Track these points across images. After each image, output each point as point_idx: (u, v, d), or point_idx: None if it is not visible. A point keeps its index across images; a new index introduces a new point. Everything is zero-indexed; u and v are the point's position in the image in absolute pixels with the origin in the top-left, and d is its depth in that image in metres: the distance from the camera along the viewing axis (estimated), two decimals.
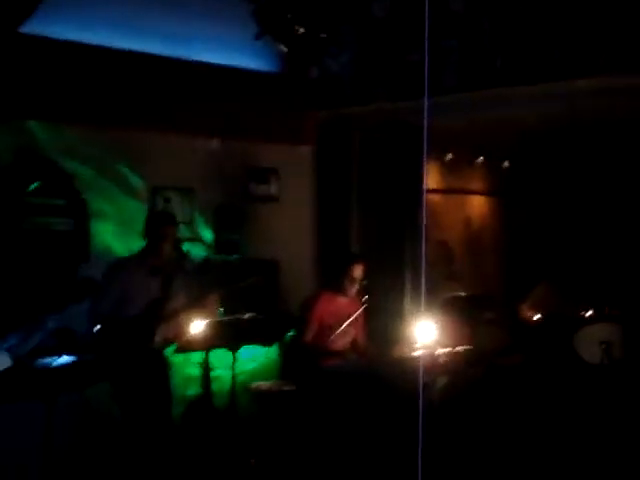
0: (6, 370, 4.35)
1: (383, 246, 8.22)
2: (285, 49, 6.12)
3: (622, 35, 5.97)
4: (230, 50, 7.15)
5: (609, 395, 6.63)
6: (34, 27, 6.01)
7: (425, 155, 7.33)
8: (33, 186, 6.13)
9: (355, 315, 6.41)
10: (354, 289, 6.49)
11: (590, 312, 8.29)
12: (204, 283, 5.84)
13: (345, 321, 6.36)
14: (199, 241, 7.06)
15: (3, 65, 5.94)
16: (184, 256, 6.13)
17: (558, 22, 6.26)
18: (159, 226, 5.76)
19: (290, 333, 6.32)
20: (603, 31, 6.06)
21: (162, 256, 5.71)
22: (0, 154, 6.02)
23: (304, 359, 6.38)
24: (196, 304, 5.58)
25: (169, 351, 5.68)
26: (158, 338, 5.52)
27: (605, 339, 7.16)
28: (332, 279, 6.58)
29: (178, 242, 6.18)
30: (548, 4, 6.31)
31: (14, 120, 6.09)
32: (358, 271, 6.47)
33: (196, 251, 6.93)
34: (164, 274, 5.67)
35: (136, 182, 6.76)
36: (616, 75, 6.14)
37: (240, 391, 6.06)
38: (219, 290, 5.74)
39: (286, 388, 6.41)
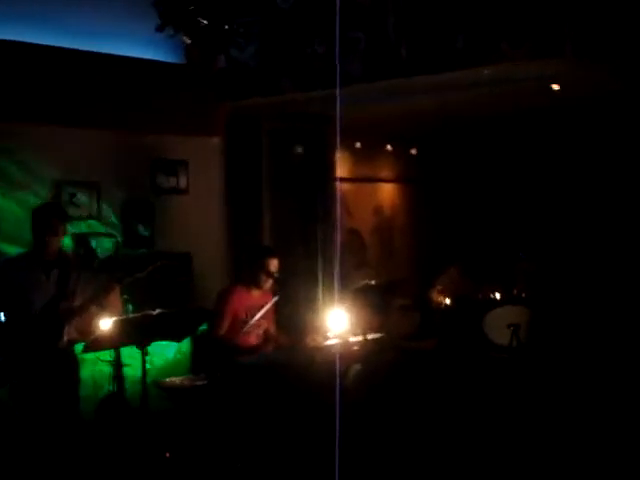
0: None
1: (295, 236, 8.24)
2: (188, 40, 6.06)
3: (524, 23, 6.08)
4: (134, 42, 7.05)
5: (518, 377, 6.79)
6: None
7: (337, 144, 7.44)
8: None
9: (267, 307, 6.41)
10: (268, 283, 6.48)
11: (498, 295, 8.48)
12: (113, 278, 5.72)
13: (258, 314, 6.35)
14: (107, 236, 6.94)
15: None
16: (91, 251, 6.04)
17: (461, 11, 6.35)
18: (45, 219, 5.51)
19: (202, 327, 6.27)
20: (505, 19, 6.16)
21: (51, 251, 5.51)
22: None
23: (217, 353, 6.35)
24: (97, 300, 5.47)
25: (78, 350, 5.58)
26: (66, 337, 5.42)
27: (513, 321, 7.33)
28: (246, 272, 6.56)
29: (85, 238, 6.09)
30: None
31: None
32: (272, 265, 6.46)
33: (104, 246, 6.82)
34: (59, 270, 5.51)
35: (39, 177, 6.61)
36: (519, 63, 6.26)
37: (152, 387, 5.98)
38: (118, 284, 5.61)
39: (198, 383, 6.36)
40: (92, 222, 6.90)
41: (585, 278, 8.15)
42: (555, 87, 7.29)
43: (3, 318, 5.28)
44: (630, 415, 6.09)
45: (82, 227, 6.85)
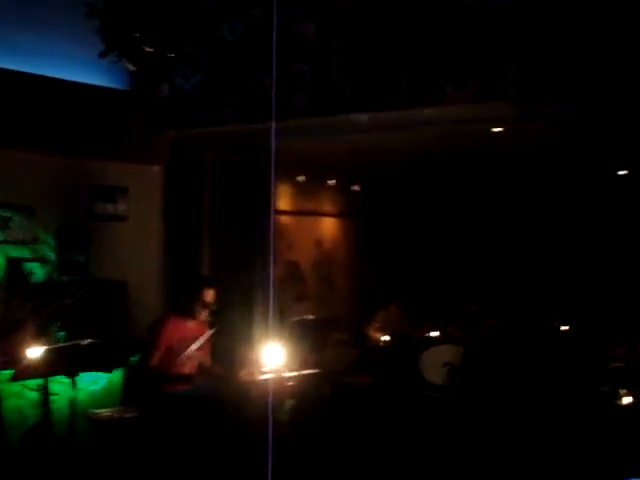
0: None
1: (234, 267, 8.18)
2: (132, 67, 6.01)
3: (467, 66, 6.16)
4: (78, 66, 6.97)
5: (450, 416, 6.79)
6: None
7: (274, 177, 7.43)
8: None
9: (202, 339, 6.32)
10: (204, 314, 6.39)
11: (435, 333, 8.51)
12: (47, 305, 5.61)
13: (192, 345, 6.26)
14: (41, 261, 6.82)
15: None
16: (24, 277, 5.91)
17: (406, 52, 6.41)
18: None
19: (134, 358, 6.16)
20: (449, 62, 6.24)
21: None
22: None
23: (148, 384, 6.23)
24: (10, 333, 5.33)
25: (4, 378, 5.43)
26: None
27: (449, 360, 7.35)
28: (182, 302, 6.47)
29: (19, 263, 5.96)
30: (397, 34, 6.45)
31: None
32: (209, 296, 6.37)
33: (38, 271, 6.69)
34: None
35: None
36: (461, 104, 6.33)
37: (80, 418, 5.86)
38: (37, 314, 5.48)
39: (128, 415, 6.24)
40: (27, 247, 6.75)
41: (521, 320, 8.22)
42: (496, 130, 7.38)
43: None
44: (561, 452, 6.13)
45: (16, 252, 6.70)
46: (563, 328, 8.45)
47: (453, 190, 10.45)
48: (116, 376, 6.73)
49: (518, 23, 5.90)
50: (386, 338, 8.58)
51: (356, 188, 10.48)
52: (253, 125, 7.13)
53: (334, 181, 10.26)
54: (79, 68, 6.96)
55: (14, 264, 6.59)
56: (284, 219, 9.51)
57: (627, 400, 6.27)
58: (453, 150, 8.45)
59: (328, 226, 10.55)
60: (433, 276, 10.22)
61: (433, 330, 8.61)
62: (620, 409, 6.28)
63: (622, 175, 9.52)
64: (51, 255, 6.95)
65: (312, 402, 6.67)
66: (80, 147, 7.08)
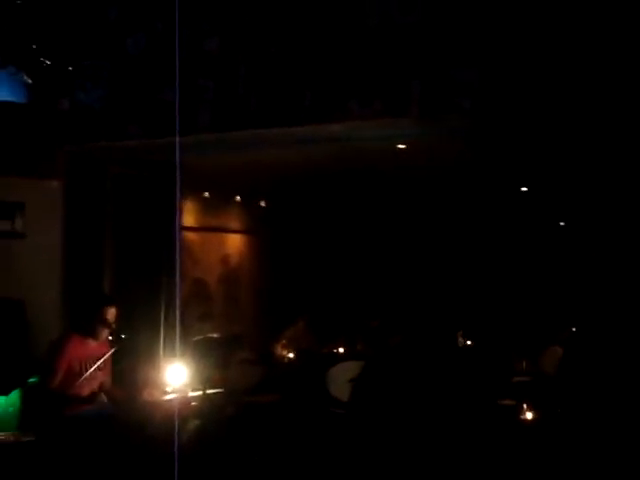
0: None
1: (138, 285, 8.03)
2: (30, 80, 5.85)
3: (371, 82, 6.20)
4: None
5: (355, 433, 6.78)
6: None
7: (179, 192, 7.32)
8: None
9: (103, 359, 6.17)
10: (105, 332, 6.25)
11: (342, 350, 8.52)
12: None
13: (93, 365, 6.11)
14: None
15: None
16: None
17: (311, 67, 6.41)
18: None
19: (32, 379, 5.96)
20: (354, 78, 6.26)
21: None
22: None
23: (47, 406, 6.05)
24: None
25: None
26: None
27: (355, 377, 7.33)
28: (82, 321, 6.31)
29: None
30: (301, 50, 6.45)
31: None
32: (110, 314, 6.24)
33: None
34: None
35: None
36: (366, 121, 6.36)
37: None
38: None
39: (25, 439, 6.04)
40: None
41: (424, 335, 8.29)
42: (401, 146, 7.45)
43: None
44: (464, 467, 6.17)
45: None
46: (467, 343, 8.56)
47: (359, 206, 10.51)
48: (13, 398, 6.52)
49: (421, 40, 5.96)
50: (292, 355, 8.55)
51: (262, 204, 10.44)
52: (156, 140, 7.02)
53: (239, 197, 10.19)
54: None
55: None
56: (189, 235, 9.39)
57: (530, 415, 6.36)
58: (358, 166, 8.48)
59: (234, 243, 10.47)
60: (339, 292, 10.24)
61: (340, 346, 8.61)
62: (523, 423, 6.37)
63: (524, 191, 9.72)
64: None
65: (217, 422, 6.59)
66: None
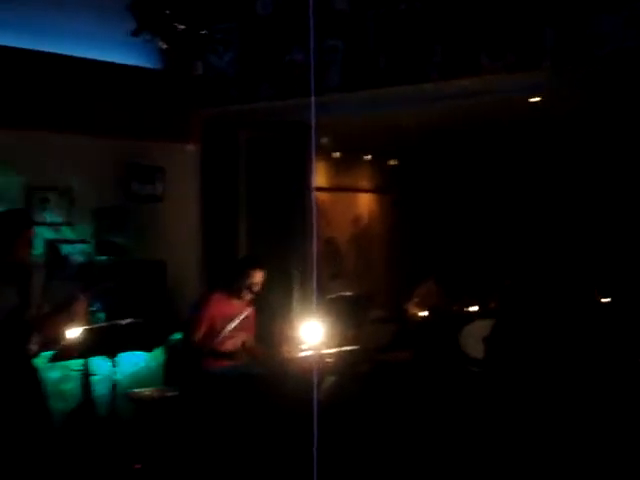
0: None
1: (271, 246, 8.16)
2: (165, 45, 5.99)
3: (503, 35, 6.07)
4: (111, 46, 6.95)
5: (490, 391, 6.75)
6: None
7: (313, 153, 7.38)
8: None
9: (244, 316, 6.32)
10: (250, 294, 6.37)
11: (475, 308, 8.45)
12: (85, 287, 5.59)
13: (234, 324, 6.27)
14: (79, 242, 6.84)
15: None
16: (63, 258, 5.91)
17: (440, 23, 6.32)
18: (11, 227, 5.18)
19: (174, 337, 6.18)
20: (484, 32, 6.14)
21: (17, 260, 5.21)
22: None
23: (190, 362, 6.26)
24: (62, 310, 5.31)
25: (45, 359, 5.46)
26: (33, 347, 5.30)
27: (488, 335, 7.30)
28: (227, 281, 6.44)
29: (56, 245, 5.96)
30: (431, 4, 6.36)
31: None
32: (257, 277, 6.36)
33: (76, 253, 6.72)
34: (22, 280, 5.34)
35: (10, 183, 6.51)
36: (498, 74, 6.24)
37: (122, 398, 5.89)
38: (84, 294, 5.45)
39: (169, 394, 6.27)
40: (64, 228, 6.78)
41: (559, 292, 8.13)
42: (534, 99, 7.28)
43: None
44: (603, 427, 6.07)
45: (54, 234, 6.74)
46: (603, 300, 8.37)
47: (489, 163, 10.34)
48: (156, 355, 6.78)
49: None
50: (425, 313, 8.53)
51: (393, 163, 10.40)
52: (286, 101, 7.09)
53: (370, 156, 10.18)
54: (113, 48, 6.95)
55: (52, 246, 6.63)
56: (320, 196, 9.46)
57: None
58: (489, 122, 8.35)
59: (365, 202, 10.49)
60: (470, 250, 10.13)
61: (472, 305, 8.55)
62: None
63: None
64: (89, 236, 6.97)
65: (351, 379, 6.66)
66: (116, 128, 7.08)
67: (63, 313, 5.21)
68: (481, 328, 7.52)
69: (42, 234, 6.59)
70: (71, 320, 5.20)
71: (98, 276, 5.89)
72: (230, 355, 6.34)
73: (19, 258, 5.22)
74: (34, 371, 5.39)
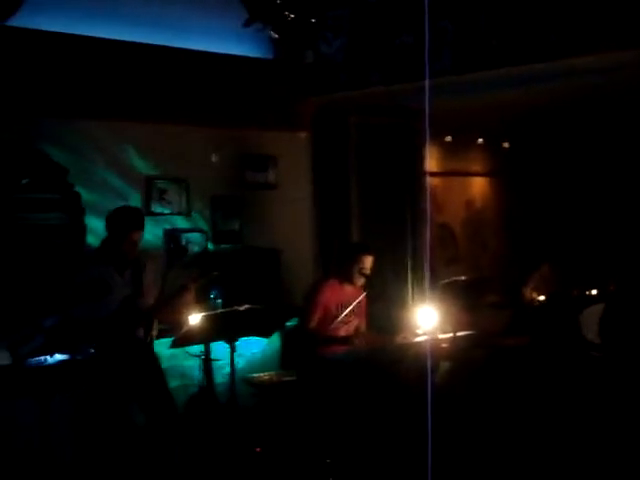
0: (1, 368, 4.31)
1: (384, 231, 8.16)
2: (276, 35, 6.05)
3: (618, 12, 5.89)
4: (223, 38, 7.07)
5: (611, 376, 6.58)
6: (21, 20, 5.93)
7: (427, 137, 7.33)
8: (25, 181, 6.07)
9: (355, 303, 6.35)
10: (361, 280, 6.40)
11: (594, 291, 8.24)
12: (195, 276, 5.71)
13: (347, 309, 6.31)
14: (197, 231, 7.01)
15: None
16: (181, 247, 6.05)
17: (554, 1, 6.18)
18: (124, 229, 5.40)
19: (290, 323, 6.25)
20: (599, 8, 5.97)
21: (126, 253, 5.42)
22: None
23: (305, 347, 6.32)
24: (173, 299, 5.44)
25: (166, 345, 5.62)
26: (154, 332, 5.46)
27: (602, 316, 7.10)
28: (339, 267, 6.49)
29: (176, 234, 6.09)
30: None
31: (5, 114, 6.02)
32: (367, 262, 6.39)
33: (194, 241, 6.88)
34: (132, 270, 5.50)
35: (130, 173, 6.70)
36: (613, 52, 6.06)
37: (240, 383, 6.00)
38: (197, 281, 5.58)
39: (286, 378, 6.36)
40: (182, 218, 6.95)
41: None
42: None
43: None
44: None
45: (172, 223, 6.91)
46: None
47: (605, 146, 10.04)
48: (274, 341, 6.88)
49: None
50: (542, 298, 8.37)
51: (505, 145, 10.23)
52: (397, 86, 7.06)
53: (482, 139, 10.04)
54: (226, 40, 7.06)
55: (171, 235, 6.80)
56: (432, 180, 9.39)
57: None
58: (605, 101, 8.11)
59: (477, 186, 10.35)
60: (585, 234, 9.88)
61: (591, 288, 8.34)
62: None
63: None
64: (206, 225, 7.12)
65: (467, 364, 6.60)
66: (229, 118, 7.20)
67: (176, 301, 5.36)
68: (601, 312, 7.33)
69: (161, 224, 6.79)
70: (183, 308, 5.34)
71: (214, 264, 6.00)
72: (344, 341, 6.37)
73: (128, 251, 5.40)
74: (154, 357, 5.56)
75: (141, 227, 5.47)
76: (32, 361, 4.09)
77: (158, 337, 5.53)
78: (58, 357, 4.14)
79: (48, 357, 4.10)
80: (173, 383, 6.08)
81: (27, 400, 4.04)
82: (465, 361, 6.58)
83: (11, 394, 4.13)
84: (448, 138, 9.45)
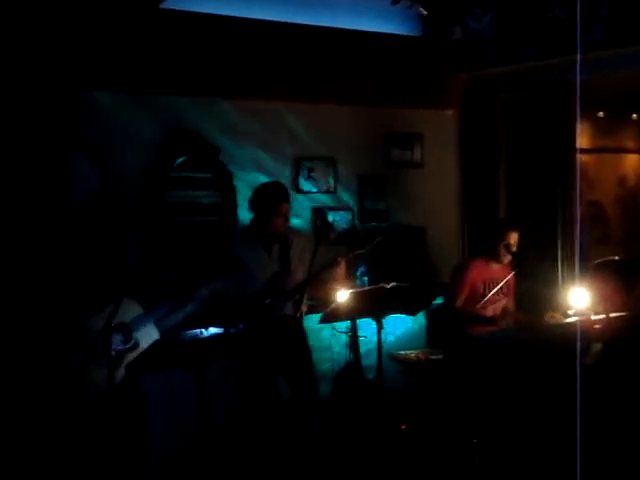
0: (155, 343, 4.48)
1: (533, 210, 7.99)
2: (425, 12, 6.00)
3: None
4: (371, 15, 7.07)
5: None
6: (174, 2, 6.10)
7: (577, 113, 7.13)
8: (180, 160, 6.26)
9: (504, 282, 6.27)
10: (507, 257, 6.33)
11: None
12: (350, 252, 5.80)
13: (495, 288, 6.24)
14: (343, 209, 7.06)
15: (148, 42, 6.08)
16: (328, 225, 6.12)
17: None
18: (271, 201, 5.54)
19: (436, 301, 6.23)
20: None
21: (274, 230, 5.56)
22: (148, 129, 6.16)
23: (453, 326, 6.30)
24: (323, 274, 5.51)
25: (314, 320, 5.71)
26: (304, 308, 5.56)
27: None
28: (484, 245, 6.44)
29: (323, 212, 6.19)
30: None
31: (160, 95, 6.22)
32: (513, 238, 6.31)
33: (340, 220, 6.94)
34: (280, 247, 5.61)
35: (279, 152, 6.81)
36: None
37: (387, 360, 6.03)
38: (346, 256, 5.64)
39: (433, 357, 6.36)
40: (328, 196, 7.02)
41: None
42: None
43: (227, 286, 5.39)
44: None
45: (319, 201, 6.99)
46: None
47: None
48: (419, 319, 6.89)
49: None
50: None
51: None
52: (550, 61, 6.89)
53: (636, 116, 9.67)
54: (373, 18, 7.06)
55: (318, 213, 6.88)
56: (583, 157, 9.11)
57: None
58: None
59: (631, 163, 9.98)
60: None
61: None
62: None
63: None
64: (352, 203, 7.17)
65: (620, 346, 6.41)
66: (375, 96, 7.20)
67: (326, 277, 5.44)
68: None
69: (309, 202, 6.89)
70: (333, 284, 5.41)
71: (362, 242, 6.04)
72: (491, 320, 6.31)
73: (276, 229, 5.50)
74: (302, 333, 5.67)
75: (288, 199, 5.62)
76: (188, 334, 4.23)
77: (307, 313, 5.63)
78: (213, 330, 4.27)
79: (203, 330, 4.23)
80: (320, 359, 6.18)
81: (184, 372, 4.19)
82: (618, 343, 6.39)
83: (169, 366, 4.30)
84: (600, 114, 9.15)
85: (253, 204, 5.62)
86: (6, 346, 4.78)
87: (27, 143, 5.60)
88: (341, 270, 5.54)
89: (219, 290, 5.14)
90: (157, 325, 4.66)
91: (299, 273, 5.60)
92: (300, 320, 5.55)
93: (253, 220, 5.66)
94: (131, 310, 4.66)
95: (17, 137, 5.57)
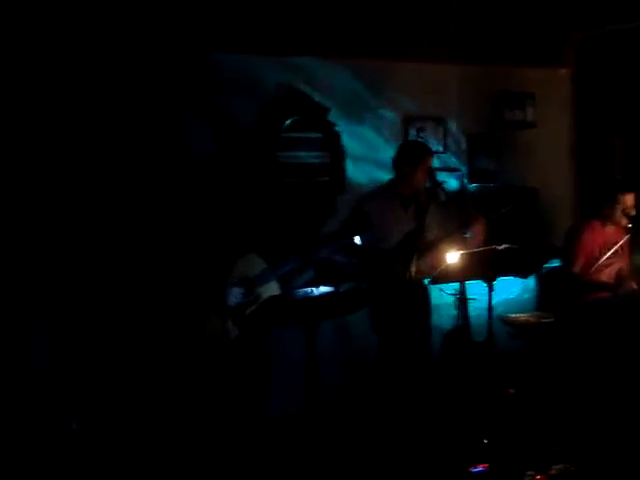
0: (271, 298, 4.55)
1: None
2: None
3: None
4: None
5: None
6: None
7: None
8: (290, 120, 6.29)
9: (619, 245, 6.11)
10: (624, 219, 6.16)
11: None
12: (460, 213, 5.75)
13: (610, 251, 6.08)
14: (454, 170, 6.98)
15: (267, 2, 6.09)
16: (439, 186, 6.07)
17: None
18: (415, 157, 5.67)
19: (549, 264, 6.11)
20: None
21: (415, 187, 5.65)
22: (261, 88, 6.20)
23: (567, 290, 6.17)
24: (458, 233, 5.53)
25: (425, 282, 5.69)
26: (413, 269, 5.54)
27: None
28: (600, 207, 6.27)
29: (433, 172, 6.13)
30: None
31: (274, 55, 6.25)
32: (630, 200, 6.14)
33: (451, 181, 6.87)
34: (417, 205, 5.65)
35: (389, 112, 6.77)
36: None
37: (497, 323, 5.96)
38: (483, 217, 5.63)
39: (545, 320, 6.25)
40: (440, 156, 6.95)
41: None
42: None
43: (359, 242, 5.49)
44: None
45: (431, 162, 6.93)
46: None
47: None
48: (530, 282, 6.78)
49: None
50: None
51: None
52: None
53: None
54: None
55: (430, 174, 6.81)
56: None
57: None
58: None
59: None
60: None
61: None
62: None
63: None
64: (463, 163, 7.08)
65: None
66: (487, 54, 7.07)
67: (455, 237, 5.46)
68: None
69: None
70: (472, 241, 5.43)
71: (472, 203, 5.99)
72: (608, 285, 6.16)
73: (417, 184, 5.55)
74: (421, 294, 5.67)
75: (432, 152, 5.85)
76: (300, 292, 4.27)
77: (418, 275, 5.60)
78: (323, 289, 4.29)
79: (314, 289, 4.26)
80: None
81: (296, 328, 4.23)
82: None
83: (282, 322, 4.34)
84: None
85: (398, 160, 5.75)
86: (146, 302, 4.95)
87: (153, 104, 5.74)
88: (479, 229, 5.56)
89: (343, 250, 5.24)
90: (280, 282, 4.74)
91: (431, 235, 5.63)
92: (421, 282, 5.60)
93: (393, 179, 5.79)
94: (255, 265, 4.76)
95: (145, 99, 5.72)
